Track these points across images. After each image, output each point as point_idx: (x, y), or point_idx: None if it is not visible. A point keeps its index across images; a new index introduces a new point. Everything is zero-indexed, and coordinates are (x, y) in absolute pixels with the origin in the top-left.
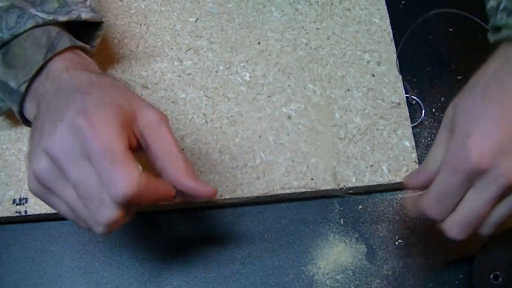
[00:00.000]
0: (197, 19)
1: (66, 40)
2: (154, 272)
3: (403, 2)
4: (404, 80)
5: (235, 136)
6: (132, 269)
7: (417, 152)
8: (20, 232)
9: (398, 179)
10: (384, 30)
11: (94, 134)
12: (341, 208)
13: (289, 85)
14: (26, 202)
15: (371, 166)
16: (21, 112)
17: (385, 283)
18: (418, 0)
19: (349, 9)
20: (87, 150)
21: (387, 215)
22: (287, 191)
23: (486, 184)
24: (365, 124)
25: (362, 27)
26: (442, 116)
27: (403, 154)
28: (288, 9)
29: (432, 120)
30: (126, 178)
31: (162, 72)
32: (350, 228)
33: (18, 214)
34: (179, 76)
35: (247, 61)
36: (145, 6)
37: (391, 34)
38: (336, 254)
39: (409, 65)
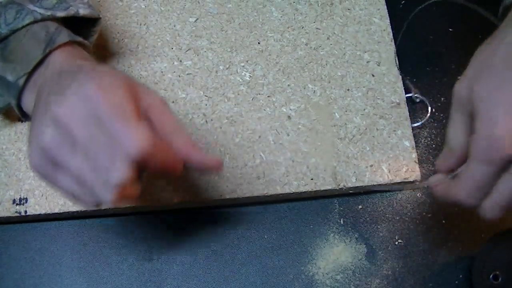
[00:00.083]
0: (197, 19)
1: (64, 35)
2: (154, 272)
3: (403, 2)
4: (405, 79)
5: (235, 136)
6: (132, 269)
7: (417, 152)
8: (20, 232)
9: (398, 179)
10: (384, 30)
11: (104, 95)
12: (341, 208)
13: (289, 85)
14: (26, 202)
15: (371, 166)
16: (19, 106)
17: (385, 283)
18: (418, 0)
19: (349, 9)
20: (98, 111)
21: (387, 215)
22: (287, 191)
23: None
24: (365, 124)
25: (362, 27)
26: (442, 116)
27: (403, 154)
28: (288, 9)
29: (432, 120)
30: (139, 135)
31: (162, 72)
32: (350, 228)
33: (18, 214)
34: (179, 76)
35: (247, 61)
36: (145, 6)
37: (391, 34)
38: (336, 254)
39: (409, 65)
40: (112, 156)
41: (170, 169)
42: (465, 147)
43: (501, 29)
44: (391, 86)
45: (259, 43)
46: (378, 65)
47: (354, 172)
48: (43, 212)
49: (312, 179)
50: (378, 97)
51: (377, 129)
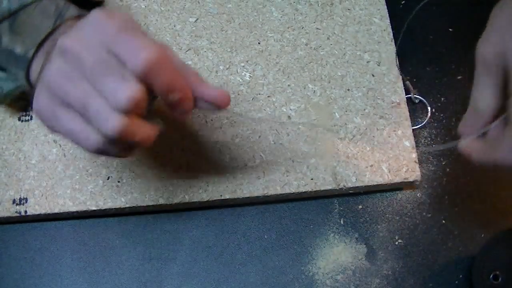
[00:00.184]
0: (197, 19)
1: (73, 9)
2: (154, 272)
3: (403, 2)
4: (405, 79)
5: (235, 136)
6: (132, 269)
7: (417, 152)
8: (20, 232)
9: (398, 179)
10: (384, 30)
11: (113, 19)
12: (341, 208)
13: (289, 85)
14: (26, 202)
15: (371, 166)
16: (27, 79)
17: (385, 283)
18: (418, 0)
19: (349, 9)
20: (105, 33)
21: (387, 215)
22: (287, 191)
23: None
24: (365, 124)
25: (362, 27)
26: (442, 116)
27: (403, 154)
28: (288, 9)
29: (432, 120)
30: (150, 44)
31: None
32: (350, 228)
33: (18, 214)
34: None
35: (247, 61)
36: (145, 6)
37: (391, 34)
38: (336, 254)
39: (409, 65)
40: (120, 76)
41: (179, 94)
42: (494, 109)
43: None
44: (391, 86)
45: (259, 43)
46: (378, 65)
47: (354, 172)
48: (43, 212)
49: (312, 179)
50: (378, 97)
51: (377, 129)
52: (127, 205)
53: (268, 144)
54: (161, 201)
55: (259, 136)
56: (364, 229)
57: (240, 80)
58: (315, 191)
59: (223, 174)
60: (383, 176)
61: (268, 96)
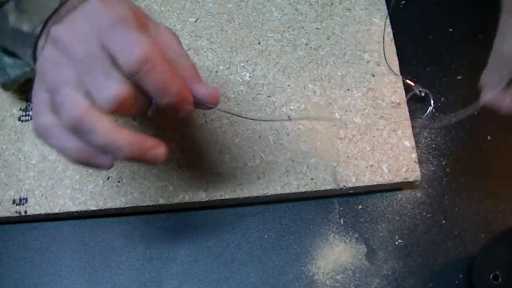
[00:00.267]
0: (197, 19)
1: None
2: (154, 272)
3: (403, 2)
4: (405, 78)
5: (235, 136)
6: (132, 269)
7: (417, 152)
8: (20, 232)
9: (398, 179)
10: (384, 30)
11: (108, 10)
12: (341, 208)
13: (289, 85)
14: (26, 202)
15: (371, 166)
16: (34, 57)
17: (385, 283)
18: (418, 0)
19: (349, 9)
20: (99, 25)
21: (387, 215)
22: (287, 191)
23: None
24: (365, 124)
25: (362, 27)
26: (443, 116)
27: (403, 154)
28: (288, 9)
29: (432, 120)
30: (141, 42)
31: None
32: (350, 228)
33: (18, 214)
34: None
35: (247, 61)
36: (145, 6)
37: (391, 34)
38: (336, 254)
39: (409, 65)
40: (107, 73)
41: (175, 98)
42: None
43: None
44: (391, 86)
45: (259, 43)
46: (378, 65)
47: (354, 172)
48: (43, 212)
49: (312, 179)
50: (378, 97)
51: (377, 129)
52: (127, 205)
53: (268, 144)
54: (161, 201)
55: (259, 136)
56: (364, 229)
57: (240, 80)
58: (315, 191)
59: (223, 174)
60: (383, 176)
61: (268, 96)
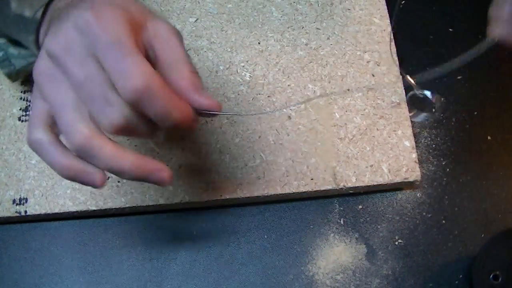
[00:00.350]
0: (197, 19)
1: None
2: (154, 272)
3: (403, 2)
4: (404, 75)
5: (235, 136)
6: (132, 269)
7: (417, 152)
8: (20, 232)
9: (398, 179)
10: (384, 30)
11: (102, 27)
12: (341, 208)
13: (289, 85)
14: (26, 202)
15: (371, 166)
16: (37, 42)
17: (385, 283)
18: (418, 0)
19: (349, 9)
20: (94, 44)
21: (387, 215)
22: (287, 191)
23: None
24: (365, 124)
25: (362, 27)
26: (442, 116)
27: (403, 154)
28: (288, 9)
29: (432, 120)
30: (138, 70)
31: None
32: (350, 228)
33: (18, 214)
34: None
35: (247, 61)
36: None
37: (391, 34)
38: (336, 254)
39: (409, 65)
40: (106, 96)
41: (176, 121)
42: None
43: None
44: (391, 86)
45: (259, 43)
46: (378, 65)
47: (354, 172)
48: (43, 212)
49: (312, 179)
50: (378, 97)
51: (377, 129)
52: (127, 205)
53: (268, 144)
54: (161, 201)
55: (259, 136)
56: (364, 229)
57: (240, 80)
58: (315, 191)
59: (223, 174)
60: (383, 176)
61: (268, 96)
